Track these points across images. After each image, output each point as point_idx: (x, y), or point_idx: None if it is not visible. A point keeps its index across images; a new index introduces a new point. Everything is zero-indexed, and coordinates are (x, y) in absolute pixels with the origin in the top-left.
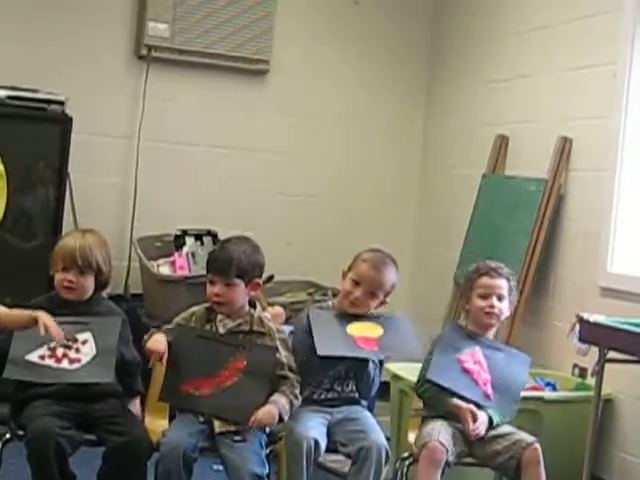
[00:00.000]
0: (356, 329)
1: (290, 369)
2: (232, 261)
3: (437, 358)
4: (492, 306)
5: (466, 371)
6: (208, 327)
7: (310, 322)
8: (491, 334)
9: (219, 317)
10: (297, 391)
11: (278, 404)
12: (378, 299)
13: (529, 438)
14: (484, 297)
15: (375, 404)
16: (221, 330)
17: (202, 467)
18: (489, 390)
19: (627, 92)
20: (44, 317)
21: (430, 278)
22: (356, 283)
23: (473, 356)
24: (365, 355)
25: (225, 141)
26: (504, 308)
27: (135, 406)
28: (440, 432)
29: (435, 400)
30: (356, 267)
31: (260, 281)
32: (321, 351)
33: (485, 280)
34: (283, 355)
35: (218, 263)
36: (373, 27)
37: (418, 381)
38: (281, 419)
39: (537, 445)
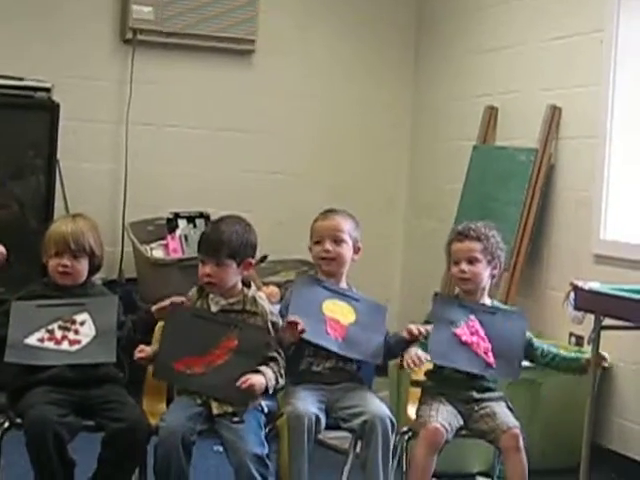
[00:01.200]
0: (331, 308)
1: (278, 352)
2: (223, 241)
3: (434, 338)
4: (462, 271)
5: (464, 344)
6: (199, 304)
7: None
8: (484, 297)
9: (211, 295)
10: (283, 371)
11: (266, 374)
12: (347, 244)
13: (510, 422)
14: (456, 262)
15: (373, 380)
16: (213, 308)
17: (203, 448)
18: (490, 359)
19: (614, 59)
20: None
21: (423, 251)
22: (318, 241)
23: (469, 327)
24: (326, 345)
25: (213, 122)
26: (479, 270)
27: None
28: (441, 413)
29: None
30: (311, 232)
31: (252, 261)
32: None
33: (454, 245)
34: (273, 337)
35: (209, 243)
36: (359, 2)
37: None
38: (266, 390)
39: (516, 431)
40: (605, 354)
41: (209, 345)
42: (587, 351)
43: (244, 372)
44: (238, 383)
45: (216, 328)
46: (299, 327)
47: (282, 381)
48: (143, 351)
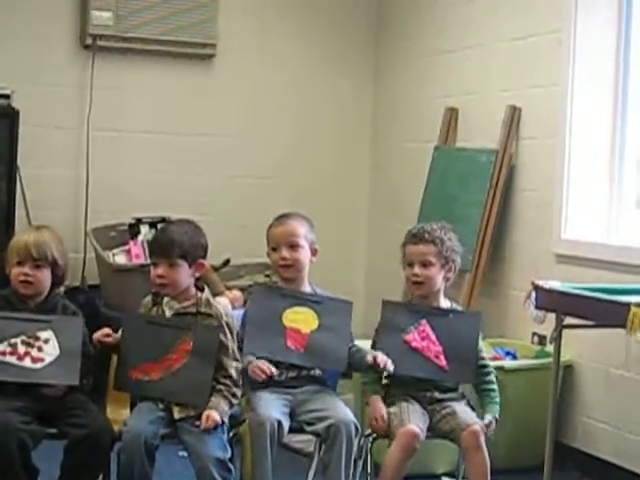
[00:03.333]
0: (291, 317)
1: (230, 356)
2: (174, 242)
3: (383, 345)
4: (415, 274)
5: (414, 350)
6: (154, 310)
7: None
8: (439, 299)
9: (165, 300)
10: (235, 390)
11: (218, 408)
12: (304, 249)
13: (470, 420)
14: (410, 265)
15: (337, 382)
16: (168, 313)
17: (167, 454)
18: (442, 362)
19: (573, 59)
20: None
21: (386, 253)
22: (274, 249)
23: (420, 332)
24: (286, 360)
25: (175, 127)
26: (432, 274)
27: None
28: (413, 415)
29: (369, 386)
30: (268, 238)
31: (204, 262)
32: (248, 349)
33: (408, 248)
34: (227, 339)
35: (160, 245)
36: (318, 4)
37: None
38: (222, 422)
39: (475, 428)
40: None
41: (165, 350)
42: (550, 351)
43: (204, 379)
44: (202, 427)
45: (170, 333)
46: (267, 372)
47: (236, 401)
48: (109, 335)
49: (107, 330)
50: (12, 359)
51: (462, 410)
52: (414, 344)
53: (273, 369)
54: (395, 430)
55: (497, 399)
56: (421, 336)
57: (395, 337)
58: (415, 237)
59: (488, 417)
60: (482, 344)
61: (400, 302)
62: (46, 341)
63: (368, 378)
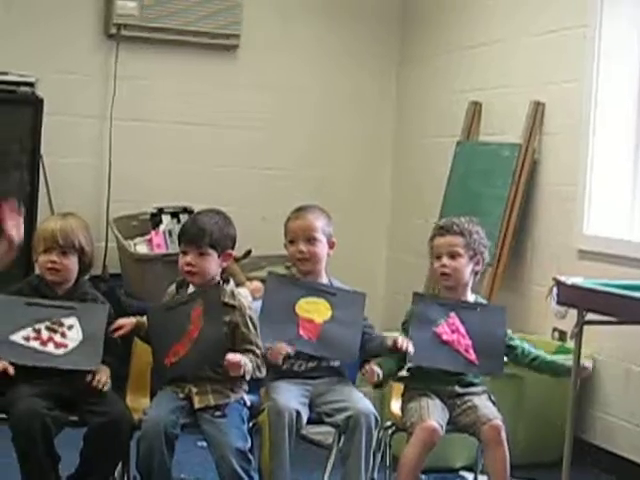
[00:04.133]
0: (305, 307)
1: (257, 346)
2: (205, 231)
3: (414, 339)
4: (443, 265)
5: (445, 343)
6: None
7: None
8: (466, 293)
9: (190, 288)
10: (260, 362)
11: (244, 357)
12: (321, 242)
13: (491, 415)
14: (438, 257)
15: (357, 374)
16: None
17: (187, 444)
18: (472, 355)
19: (597, 54)
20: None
21: (408, 247)
22: (292, 241)
23: (450, 325)
24: (300, 348)
25: (197, 117)
26: (460, 265)
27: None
28: (432, 410)
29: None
30: (285, 231)
31: (232, 252)
32: (262, 336)
33: (436, 240)
34: (251, 333)
35: (190, 233)
36: None
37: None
38: (243, 375)
39: (497, 422)
40: (587, 364)
41: (185, 325)
42: (570, 346)
43: (217, 337)
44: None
45: (186, 308)
46: (283, 353)
47: (260, 373)
48: (122, 326)
49: (119, 322)
50: (36, 344)
51: (483, 404)
52: (445, 337)
53: (289, 348)
54: (414, 425)
55: (553, 360)
56: (451, 329)
57: (426, 330)
58: (443, 229)
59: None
60: (509, 332)
61: (430, 295)
62: (70, 327)
63: (386, 360)
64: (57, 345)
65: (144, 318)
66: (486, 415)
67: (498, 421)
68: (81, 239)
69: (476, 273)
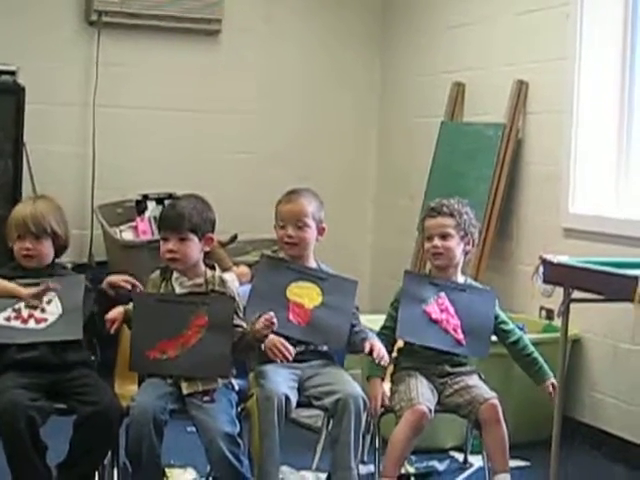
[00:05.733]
0: (296, 292)
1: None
2: (184, 216)
3: (403, 315)
4: (435, 246)
5: (434, 321)
6: (164, 286)
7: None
8: (456, 274)
9: (175, 275)
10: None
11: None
12: (310, 228)
13: (487, 394)
14: (429, 238)
15: (345, 357)
16: (178, 289)
17: (176, 430)
18: (460, 335)
19: (580, 33)
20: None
21: (394, 229)
22: (282, 226)
23: (439, 304)
24: (288, 333)
25: (181, 103)
26: (451, 245)
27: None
28: (422, 392)
29: (371, 366)
30: (276, 213)
31: (213, 236)
32: (249, 318)
33: (427, 221)
34: (240, 319)
35: (170, 219)
36: None
37: (378, 334)
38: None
39: (494, 402)
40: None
41: (179, 327)
42: (557, 325)
43: (222, 351)
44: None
45: (183, 309)
46: (287, 355)
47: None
48: (115, 320)
49: (110, 317)
50: (17, 323)
51: (476, 384)
52: (434, 316)
53: (291, 349)
54: (404, 408)
55: (543, 362)
56: (440, 308)
57: (415, 307)
58: (434, 210)
59: (549, 382)
60: (503, 315)
61: (421, 273)
62: (49, 302)
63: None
64: (38, 321)
65: (131, 306)
66: (482, 395)
67: (495, 400)
68: (52, 223)
69: (466, 253)
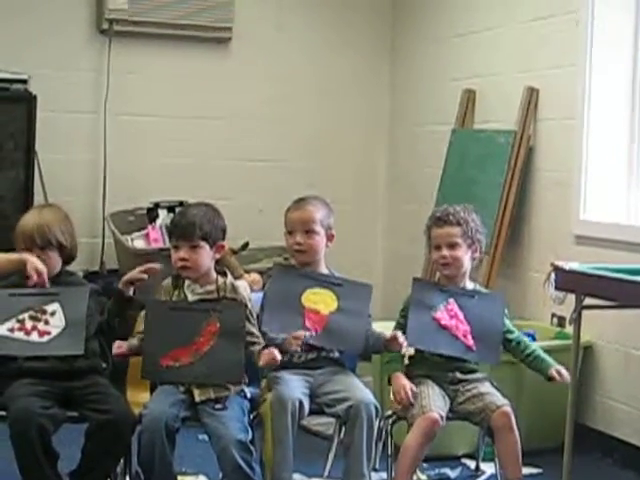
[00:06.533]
0: (311, 298)
1: (257, 337)
2: (195, 224)
3: (412, 322)
4: (443, 257)
5: (444, 328)
6: (176, 294)
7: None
8: (465, 280)
9: (186, 283)
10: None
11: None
12: (319, 235)
13: (499, 401)
14: (437, 248)
15: (356, 364)
16: (190, 297)
17: (187, 438)
18: (470, 341)
19: (590, 39)
20: (32, 260)
21: (405, 237)
22: (290, 232)
23: (448, 310)
24: (305, 340)
25: (192, 111)
26: (460, 254)
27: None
28: (434, 399)
29: (390, 365)
30: (285, 221)
31: (224, 243)
32: (265, 326)
33: (434, 231)
34: (251, 324)
35: (181, 228)
36: None
37: None
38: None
39: (507, 409)
40: (563, 371)
41: (192, 334)
42: (569, 332)
43: (235, 358)
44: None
45: (195, 316)
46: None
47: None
48: (121, 347)
49: (118, 342)
50: (20, 334)
51: (489, 391)
52: (443, 322)
53: (306, 333)
54: (415, 416)
55: (544, 355)
56: (449, 315)
57: (425, 314)
58: (440, 220)
59: (553, 369)
60: (508, 323)
61: (429, 281)
62: (52, 314)
63: (389, 357)
64: (41, 333)
65: (135, 340)
66: (494, 402)
67: (508, 407)
68: (58, 234)
69: (473, 260)
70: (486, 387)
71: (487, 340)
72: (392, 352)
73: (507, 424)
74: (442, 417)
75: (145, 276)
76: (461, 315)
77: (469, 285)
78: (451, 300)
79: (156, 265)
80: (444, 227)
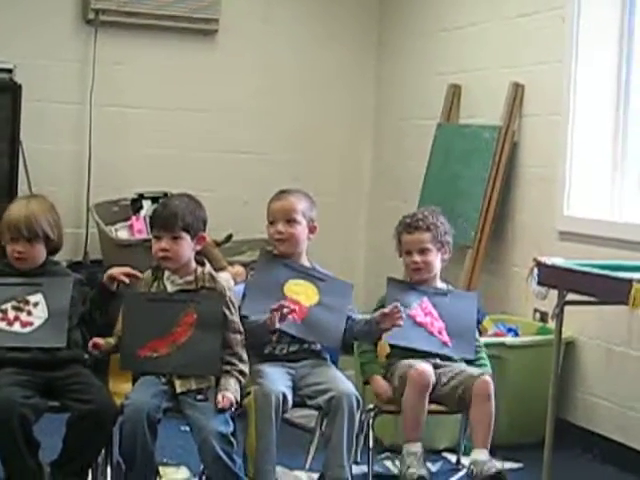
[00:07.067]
0: (293, 289)
1: (235, 330)
2: (176, 215)
3: None
4: (415, 262)
5: (419, 325)
6: (155, 285)
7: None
8: (436, 281)
9: (166, 274)
10: (241, 367)
11: (229, 389)
12: (300, 225)
13: (478, 373)
14: (408, 253)
15: (339, 358)
16: (169, 288)
17: (170, 429)
18: (445, 337)
19: (576, 36)
20: None
21: (388, 232)
22: (272, 222)
23: (423, 308)
24: (284, 329)
25: (177, 103)
26: (431, 259)
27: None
28: (419, 361)
29: (367, 366)
30: (267, 211)
31: (205, 235)
32: (245, 310)
33: (405, 237)
34: (231, 313)
35: (162, 218)
36: None
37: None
38: (236, 401)
39: (487, 378)
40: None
41: (169, 325)
42: (551, 327)
43: (212, 348)
44: (219, 406)
45: (173, 307)
46: (286, 310)
47: (244, 379)
48: (96, 345)
49: (94, 339)
50: (2, 324)
51: (468, 367)
52: (419, 319)
53: (292, 305)
54: (407, 373)
55: (486, 363)
56: (424, 312)
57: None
58: (410, 226)
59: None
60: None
61: (403, 280)
62: (35, 304)
63: (365, 358)
64: (23, 324)
65: (112, 339)
66: (473, 373)
67: (487, 377)
68: (45, 226)
69: (443, 261)
70: (464, 365)
71: (461, 335)
72: (382, 331)
73: (485, 392)
74: (430, 371)
75: (127, 280)
76: (435, 313)
77: (440, 285)
78: (425, 299)
79: (139, 274)
80: (414, 233)
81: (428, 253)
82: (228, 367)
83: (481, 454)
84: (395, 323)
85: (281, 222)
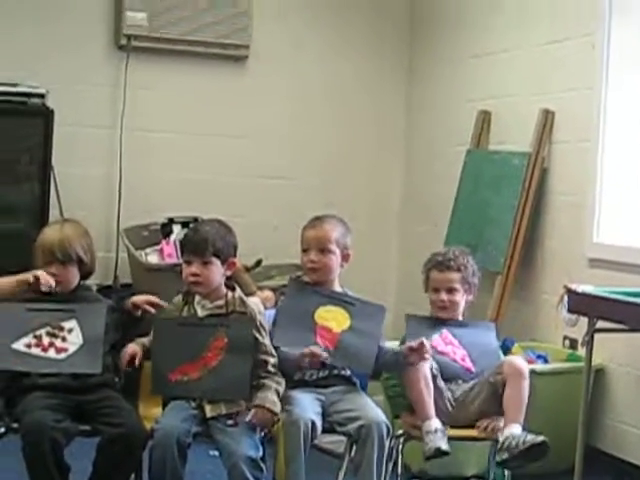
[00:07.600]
0: (324, 315)
1: (267, 352)
2: (207, 240)
3: None
4: (442, 300)
5: (441, 354)
6: (186, 310)
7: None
8: (457, 315)
9: (197, 299)
10: (278, 377)
11: (267, 401)
12: (334, 254)
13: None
14: (435, 290)
15: (367, 384)
16: (200, 312)
17: (198, 453)
18: (468, 364)
19: (606, 62)
20: (39, 273)
21: (418, 257)
22: (305, 250)
23: (443, 339)
24: (323, 360)
25: (207, 128)
26: (457, 299)
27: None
28: None
29: (395, 400)
30: (301, 239)
31: (236, 260)
32: (277, 342)
33: (434, 274)
34: (263, 336)
35: (193, 243)
36: (353, 7)
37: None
38: (275, 413)
39: (522, 360)
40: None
41: (200, 349)
42: (581, 354)
43: (242, 372)
44: (248, 418)
45: (203, 331)
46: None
47: (282, 388)
48: (132, 361)
49: (129, 353)
50: (37, 351)
51: None
52: (440, 348)
53: (323, 353)
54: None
55: None
56: (445, 342)
57: None
58: (442, 265)
59: None
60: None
61: (422, 315)
62: (70, 331)
63: (393, 392)
64: (58, 350)
65: (145, 339)
66: (507, 360)
67: (522, 360)
68: (78, 250)
69: (467, 302)
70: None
71: (484, 362)
72: (409, 364)
73: (519, 371)
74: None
75: (152, 310)
76: (456, 342)
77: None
78: (444, 330)
79: (163, 303)
80: (444, 272)
81: (455, 293)
82: (265, 381)
83: (514, 428)
84: (422, 357)
85: (314, 251)
